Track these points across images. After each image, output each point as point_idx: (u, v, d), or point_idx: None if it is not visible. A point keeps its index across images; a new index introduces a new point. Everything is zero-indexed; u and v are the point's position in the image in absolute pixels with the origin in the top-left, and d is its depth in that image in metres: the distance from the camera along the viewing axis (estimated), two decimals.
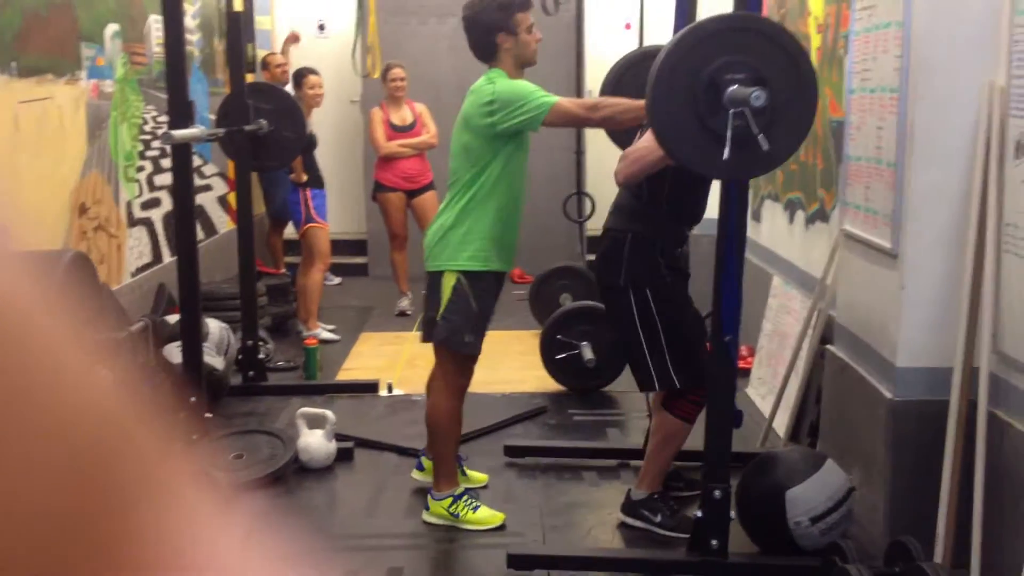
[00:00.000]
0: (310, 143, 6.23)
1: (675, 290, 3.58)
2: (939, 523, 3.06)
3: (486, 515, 3.68)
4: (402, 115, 6.93)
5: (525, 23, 3.57)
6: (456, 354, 3.63)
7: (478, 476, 4.08)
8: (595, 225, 8.15)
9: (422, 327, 3.75)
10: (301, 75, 6.64)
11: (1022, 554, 2.74)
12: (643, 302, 3.51)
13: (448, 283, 3.53)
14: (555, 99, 3.48)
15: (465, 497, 3.69)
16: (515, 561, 3.29)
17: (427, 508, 3.72)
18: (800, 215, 4.89)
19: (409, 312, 6.95)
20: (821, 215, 4.54)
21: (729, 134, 2.78)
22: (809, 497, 3.23)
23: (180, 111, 4.17)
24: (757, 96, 2.72)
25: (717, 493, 3.17)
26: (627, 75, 4.15)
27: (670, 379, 3.51)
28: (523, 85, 3.52)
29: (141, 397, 0.37)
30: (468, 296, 3.53)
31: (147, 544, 0.34)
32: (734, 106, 2.78)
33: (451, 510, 3.66)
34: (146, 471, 0.36)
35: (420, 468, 4.02)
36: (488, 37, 3.55)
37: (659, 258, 3.52)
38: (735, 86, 2.78)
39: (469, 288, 3.53)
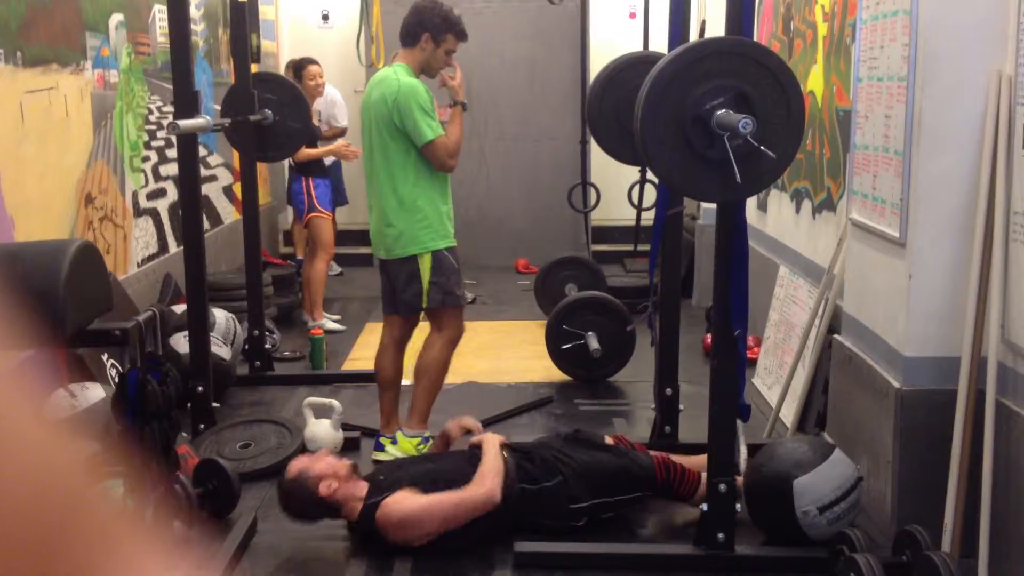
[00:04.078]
0: (313, 134, 6.22)
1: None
2: (947, 512, 3.06)
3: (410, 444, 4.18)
4: None
5: (448, 45, 4.06)
6: (454, 309, 4.11)
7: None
8: (600, 215, 8.16)
9: (401, 307, 4.14)
10: (300, 66, 6.61)
11: None
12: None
13: (425, 263, 4.01)
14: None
15: (430, 441, 4.08)
16: (521, 558, 3.29)
17: (382, 448, 4.10)
18: (807, 204, 4.88)
19: None
20: (828, 204, 4.53)
21: (732, 157, 2.80)
22: (817, 487, 3.23)
23: (186, 101, 4.17)
24: (745, 124, 2.74)
25: (722, 486, 3.16)
26: (617, 77, 4.17)
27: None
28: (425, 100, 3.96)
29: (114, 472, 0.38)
30: (447, 258, 4.04)
31: None
32: (721, 129, 2.79)
33: (419, 448, 4.09)
34: (101, 543, 0.37)
35: (380, 449, 4.17)
36: (418, 29, 4.02)
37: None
38: (722, 111, 2.80)
39: (447, 253, 4.05)
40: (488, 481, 3.36)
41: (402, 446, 4.13)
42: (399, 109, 3.90)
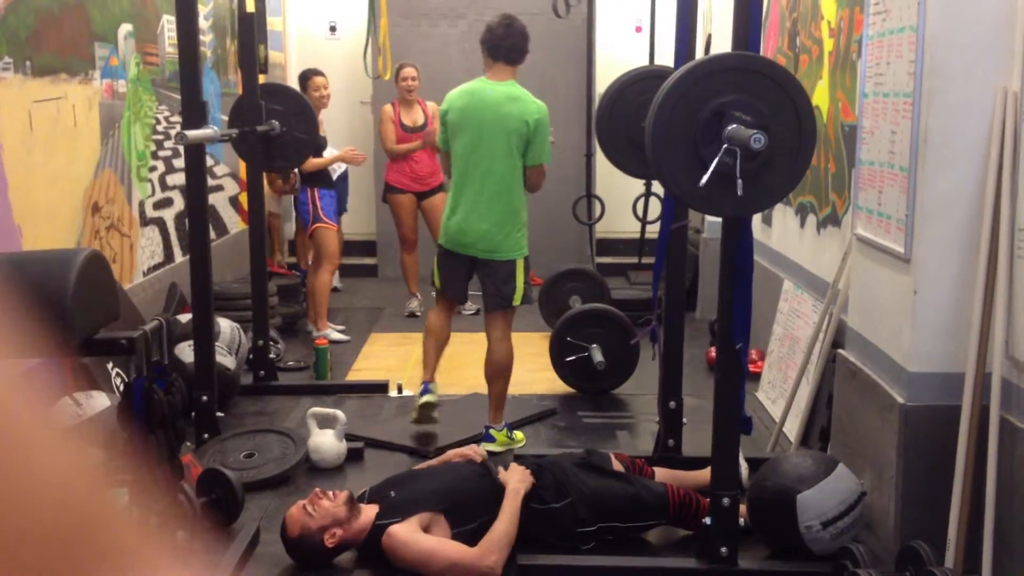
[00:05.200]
0: (319, 145, 6.23)
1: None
2: (950, 528, 3.06)
3: (521, 435, 4.63)
4: (413, 116, 6.94)
5: None
6: (516, 307, 4.52)
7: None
8: (604, 228, 8.17)
9: (493, 302, 4.47)
10: (306, 77, 6.62)
11: None
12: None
13: (520, 265, 4.44)
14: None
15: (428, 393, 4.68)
16: (524, 571, 3.29)
17: (491, 439, 4.45)
18: (812, 219, 4.88)
19: (419, 313, 6.95)
20: (833, 219, 4.54)
21: (713, 166, 2.82)
22: (820, 501, 3.22)
23: (194, 111, 4.19)
24: (757, 139, 2.75)
25: (726, 500, 3.16)
26: (627, 91, 4.19)
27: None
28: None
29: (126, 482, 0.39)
30: (527, 266, 4.53)
31: None
32: (732, 143, 2.81)
33: (509, 436, 4.52)
34: (113, 550, 0.38)
35: (490, 440, 4.48)
36: (527, 47, 4.46)
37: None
38: (735, 125, 2.81)
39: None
40: (494, 555, 3.24)
41: (500, 440, 4.48)
42: (538, 129, 4.32)
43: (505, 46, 4.38)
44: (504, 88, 4.38)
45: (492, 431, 4.49)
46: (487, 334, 4.53)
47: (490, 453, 4.30)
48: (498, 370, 4.50)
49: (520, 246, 4.45)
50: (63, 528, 0.35)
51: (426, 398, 4.59)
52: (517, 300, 4.46)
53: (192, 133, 4.00)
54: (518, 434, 4.60)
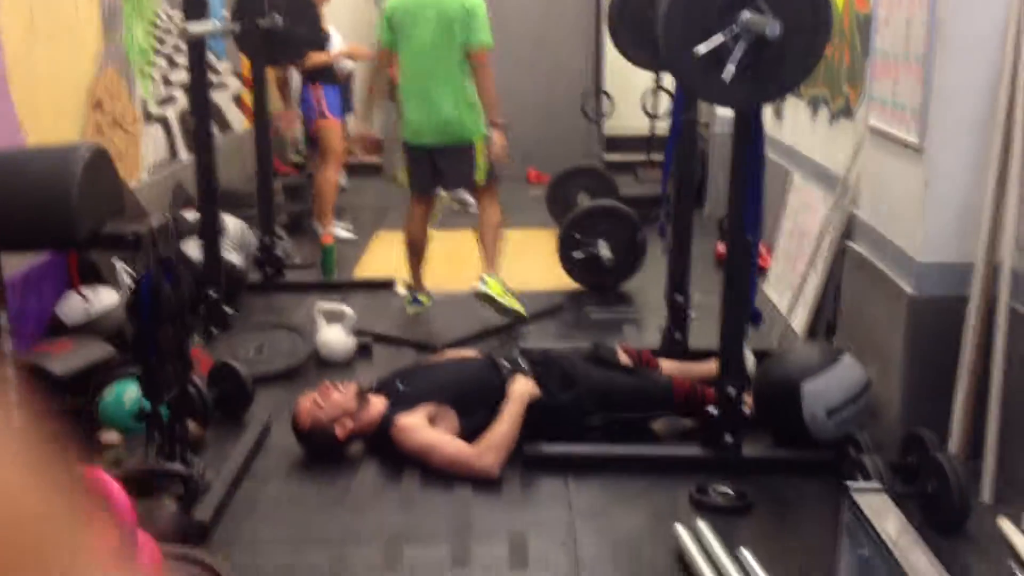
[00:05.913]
0: (322, 40, 6.11)
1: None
2: (954, 416, 3.08)
3: (517, 303, 4.75)
4: None
5: None
6: (497, 179, 4.85)
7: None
8: (613, 125, 8.08)
9: (462, 181, 4.84)
10: None
11: None
12: None
13: (480, 145, 4.69)
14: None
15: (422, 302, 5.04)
16: (530, 462, 3.33)
17: (485, 283, 4.69)
18: (824, 111, 4.82)
19: None
20: (846, 111, 4.47)
21: (716, 41, 2.80)
22: (825, 390, 3.24)
23: (195, 5, 4.12)
24: (772, 28, 2.72)
25: (731, 389, 3.19)
26: None
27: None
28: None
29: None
30: (488, 145, 4.74)
31: None
32: (746, 31, 2.78)
33: (506, 291, 4.70)
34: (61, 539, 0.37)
35: (418, 303, 4.95)
36: None
37: None
38: (750, 13, 2.77)
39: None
40: (492, 455, 3.25)
41: (495, 287, 4.66)
42: (474, 12, 4.56)
43: None
44: None
45: (486, 276, 4.70)
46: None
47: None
48: (485, 229, 4.82)
49: (479, 127, 4.69)
50: None
51: (414, 309, 4.99)
52: (480, 178, 4.73)
53: (195, 26, 3.94)
54: (514, 301, 4.70)
